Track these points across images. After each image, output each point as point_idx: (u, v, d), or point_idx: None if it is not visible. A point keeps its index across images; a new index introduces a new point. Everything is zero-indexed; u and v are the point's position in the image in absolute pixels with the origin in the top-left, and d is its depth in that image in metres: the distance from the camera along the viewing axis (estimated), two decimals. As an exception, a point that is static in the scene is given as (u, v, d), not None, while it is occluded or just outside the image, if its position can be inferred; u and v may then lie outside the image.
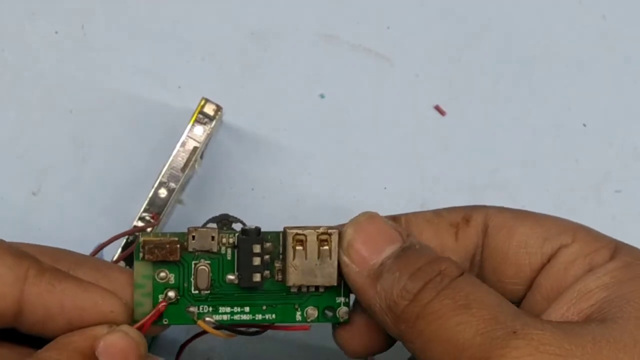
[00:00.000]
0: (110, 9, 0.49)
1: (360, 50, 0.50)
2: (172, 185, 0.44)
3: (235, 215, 0.40)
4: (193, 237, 0.39)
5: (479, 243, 0.39)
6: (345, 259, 0.38)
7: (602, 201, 0.50)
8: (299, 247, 0.38)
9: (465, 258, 0.39)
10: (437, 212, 0.40)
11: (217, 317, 0.39)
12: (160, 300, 0.39)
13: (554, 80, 0.50)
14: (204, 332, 0.40)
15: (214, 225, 0.39)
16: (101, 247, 0.42)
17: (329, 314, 0.40)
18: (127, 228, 0.44)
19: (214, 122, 0.45)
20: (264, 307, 0.39)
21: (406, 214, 0.40)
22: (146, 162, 0.48)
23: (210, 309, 0.39)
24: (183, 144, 0.45)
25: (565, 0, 0.50)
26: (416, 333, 0.35)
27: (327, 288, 0.39)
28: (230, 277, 0.39)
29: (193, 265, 0.39)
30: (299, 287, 0.39)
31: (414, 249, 0.37)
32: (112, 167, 0.49)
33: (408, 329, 0.35)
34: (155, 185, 0.44)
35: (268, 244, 0.39)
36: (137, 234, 0.43)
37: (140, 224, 0.43)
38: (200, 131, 0.45)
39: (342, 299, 0.40)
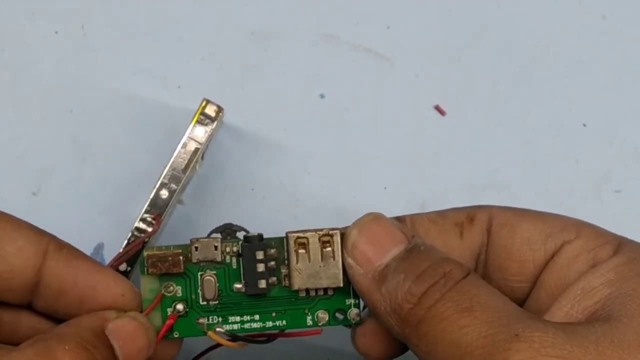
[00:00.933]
0: (110, 9, 0.49)
1: (360, 50, 0.50)
2: (173, 186, 0.44)
3: (237, 223, 0.40)
4: (196, 248, 0.39)
5: (484, 242, 0.39)
6: (349, 260, 0.38)
7: (602, 201, 0.50)
8: (301, 251, 0.38)
9: (470, 257, 0.39)
10: (442, 213, 0.40)
11: (228, 327, 0.39)
12: (169, 313, 0.39)
13: (554, 80, 0.50)
14: (218, 345, 0.39)
15: (218, 235, 0.39)
16: (116, 261, 0.42)
17: (340, 316, 0.40)
18: (127, 228, 0.44)
19: (215, 123, 0.45)
20: (274, 314, 0.39)
21: (411, 215, 0.40)
22: (146, 162, 0.48)
23: (220, 319, 0.39)
24: (184, 145, 0.44)
25: (565, 0, 0.50)
26: (420, 336, 0.35)
27: (335, 290, 0.39)
28: (237, 285, 0.39)
29: (199, 276, 0.39)
30: (307, 291, 0.39)
31: (418, 250, 0.37)
32: (112, 167, 0.49)
33: (412, 332, 0.35)
34: (157, 186, 0.44)
35: (272, 250, 0.39)
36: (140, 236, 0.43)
37: (141, 225, 0.43)
38: (201, 132, 0.45)
39: (351, 301, 0.40)
